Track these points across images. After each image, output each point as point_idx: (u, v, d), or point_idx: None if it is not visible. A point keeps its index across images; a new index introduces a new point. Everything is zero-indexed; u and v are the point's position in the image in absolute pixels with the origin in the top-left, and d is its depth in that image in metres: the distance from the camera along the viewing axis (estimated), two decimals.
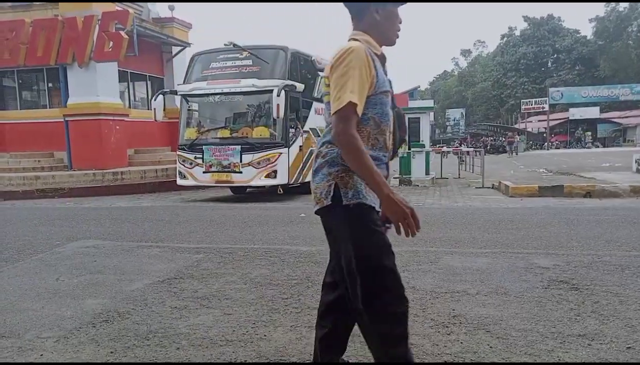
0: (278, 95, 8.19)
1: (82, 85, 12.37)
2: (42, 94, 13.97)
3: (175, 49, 16.24)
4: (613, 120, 43.80)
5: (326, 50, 36.32)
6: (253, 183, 8.89)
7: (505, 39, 58.85)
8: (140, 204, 8.84)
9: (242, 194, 10.34)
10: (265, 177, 8.72)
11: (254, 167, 8.67)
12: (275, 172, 8.73)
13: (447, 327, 2.47)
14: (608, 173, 11.16)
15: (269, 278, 3.42)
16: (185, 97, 9.61)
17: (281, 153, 8.75)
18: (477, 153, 14.00)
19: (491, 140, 40.95)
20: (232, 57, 9.38)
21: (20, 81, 14.04)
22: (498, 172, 13.04)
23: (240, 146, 8.69)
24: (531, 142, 43.26)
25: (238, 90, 8.95)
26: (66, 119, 12.43)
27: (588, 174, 10.83)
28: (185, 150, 9.20)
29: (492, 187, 9.82)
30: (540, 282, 3.17)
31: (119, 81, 13.59)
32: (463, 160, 16.16)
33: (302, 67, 9.68)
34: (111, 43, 11.95)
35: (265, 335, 2.43)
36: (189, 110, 9.77)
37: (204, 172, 8.87)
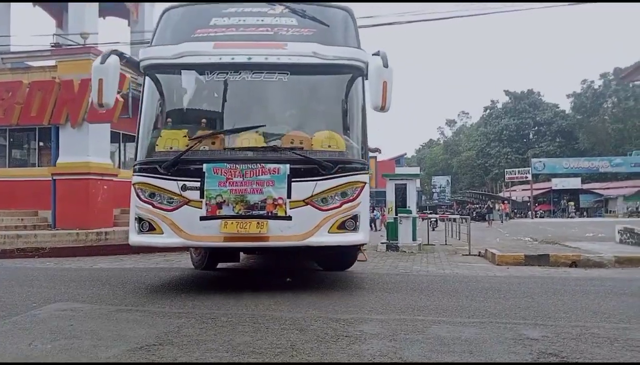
0: (386, 66, 5.03)
1: (73, 145, 12.45)
2: (32, 152, 14.01)
3: None
4: (594, 191, 44.87)
5: None
6: (314, 241, 4.92)
7: (488, 111, 61.32)
8: (123, 266, 8.64)
9: (269, 263, 7.58)
10: (338, 228, 4.97)
11: (315, 207, 4.92)
12: (355, 218, 5.02)
13: None
14: (592, 243, 11.28)
15: (252, 346, 3.30)
16: (160, 70, 5.41)
17: (365, 183, 5.16)
18: (464, 220, 14.12)
19: (477, 207, 41.45)
20: (257, 12, 5.66)
21: (11, 140, 14.09)
22: (484, 239, 13.10)
23: (287, 165, 4.89)
24: (515, 211, 43.83)
25: (284, 60, 5.16)
26: (54, 177, 12.39)
27: (573, 244, 10.93)
28: (155, 172, 5.03)
29: (479, 255, 9.83)
30: (530, 354, 3.11)
31: (111, 141, 13.71)
32: (448, 223, 16.22)
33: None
34: None
35: None
36: (162, 95, 5.57)
37: (203, 218, 4.88)
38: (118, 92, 12.39)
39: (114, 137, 14.21)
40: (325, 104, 5.79)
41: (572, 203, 43.78)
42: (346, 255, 6.77)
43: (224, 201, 4.90)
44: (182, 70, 5.57)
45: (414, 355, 3.10)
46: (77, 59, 12.53)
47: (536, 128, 56.75)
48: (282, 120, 5.58)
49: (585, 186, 45.14)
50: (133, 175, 5.25)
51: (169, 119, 5.58)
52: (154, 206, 5.05)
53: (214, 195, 4.90)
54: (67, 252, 10.39)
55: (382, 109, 5.05)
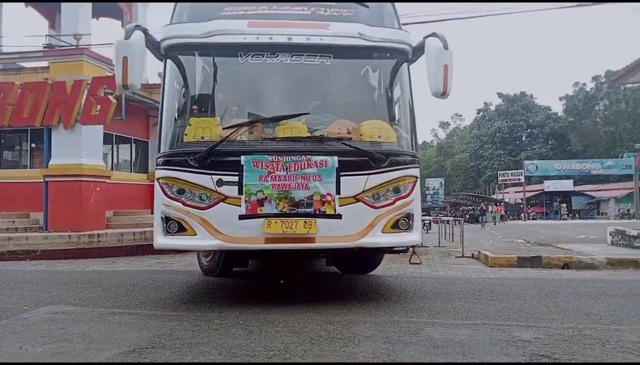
0: (446, 48, 4.67)
1: (65, 146, 12.37)
2: (24, 154, 13.92)
3: None
4: (586, 193, 45.22)
5: None
6: (367, 242, 4.48)
7: (481, 113, 61.66)
8: (115, 268, 8.59)
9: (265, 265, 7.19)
10: (392, 227, 4.53)
11: (367, 204, 4.48)
12: (409, 217, 4.61)
13: None
14: (584, 245, 11.34)
15: (245, 348, 3.29)
16: (186, 51, 4.86)
17: (417, 178, 4.76)
18: (457, 222, 14.16)
19: (470, 209, 41.63)
20: None
21: (3, 141, 14.01)
22: (477, 241, 13.14)
23: (336, 157, 4.42)
24: (508, 212, 44.08)
25: (327, 41, 4.71)
26: (46, 179, 12.30)
27: (565, 246, 10.99)
28: (185, 165, 4.45)
29: (472, 257, 9.85)
30: (522, 356, 3.13)
31: (104, 143, 13.64)
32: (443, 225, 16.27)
33: None
34: (99, 106, 12.12)
35: None
36: (186, 80, 4.99)
37: (242, 217, 4.34)
38: (111, 93, 12.45)
39: (107, 139, 14.14)
40: (371, 91, 5.25)
41: (564, 205, 44.08)
42: (373, 256, 6.40)
43: (266, 198, 4.34)
44: (211, 51, 4.84)
45: (407, 357, 3.11)
46: (69, 60, 12.47)
47: (529, 130, 57.17)
48: (324, 108, 5.03)
49: (578, 188, 45.49)
50: (157, 169, 4.63)
51: (197, 106, 4.90)
52: (184, 204, 4.41)
53: (254, 191, 4.35)
54: (59, 254, 10.30)
55: (443, 94, 4.68)
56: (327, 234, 4.40)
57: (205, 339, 3.56)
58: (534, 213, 45.23)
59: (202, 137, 4.54)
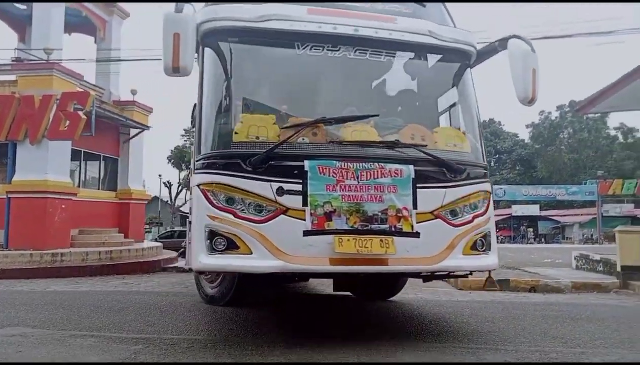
0: (534, 51, 4.27)
1: (31, 162, 12.01)
2: None
3: (133, 131, 16.29)
4: (552, 218, 46.47)
5: None
6: (447, 265, 3.98)
7: None
8: (79, 288, 8.29)
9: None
10: (471, 249, 4.06)
11: (446, 221, 4.00)
12: (486, 237, 4.18)
13: None
14: (550, 269, 11.60)
15: None
16: (233, 36, 4.15)
17: (490, 193, 4.38)
18: None
19: None
20: None
21: None
22: None
23: (411, 166, 3.94)
24: None
25: (396, 36, 4.27)
26: (9, 195, 11.87)
27: (532, 269, 11.21)
28: (236, 169, 3.79)
29: (441, 279, 9.93)
30: None
31: (71, 159, 13.31)
32: None
33: None
34: (67, 122, 11.86)
35: None
36: (230, 71, 4.20)
37: (307, 233, 3.71)
38: (80, 109, 12.21)
39: (75, 155, 13.81)
40: (438, 95, 4.82)
41: (531, 229, 45.15)
42: (399, 280, 5.90)
43: (334, 211, 3.73)
44: (265, 39, 4.20)
45: None
46: (39, 75, 12.22)
47: (497, 156, 58.68)
48: (390, 111, 4.59)
49: (544, 213, 46.72)
50: (196, 173, 3.97)
51: (244, 102, 4.27)
52: (236, 215, 3.69)
53: (321, 202, 3.72)
54: (20, 273, 9.90)
55: (532, 101, 4.26)
56: (404, 255, 3.80)
57: (171, 363, 3.45)
58: (501, 236, 46.12)
59: (257, 137, 3.89)
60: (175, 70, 3.72)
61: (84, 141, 13.10)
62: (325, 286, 7.34)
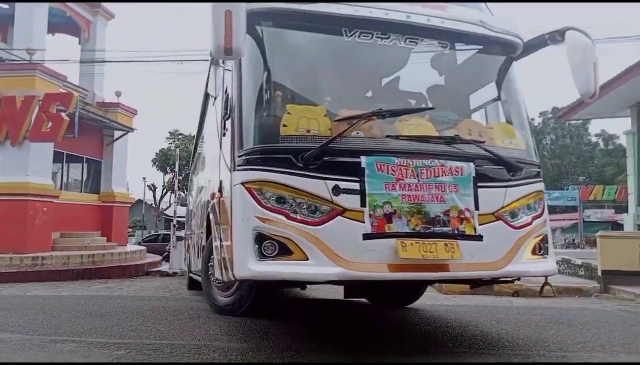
0: (594, 44, 4.04)
1: (11, 163, 11.83)
2: None
3: (117, 133, 16.12)
4: None
5: None
6: (511, 271, 3.74)
7: None
8: (60, 293, 8.16)
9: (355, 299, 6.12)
10: (532, 253, 3.86)
11: (507, 223, 3.78)
12: (545, 240, 4.00)
13: None
14: None
15: None
16: (273, 20, 3.89)
17: (543, 193, 4.21)
18: None
19: None
20: None
21: None
22: None
23: (472, 164, 3.72)
24: None
25: (448, 25, 4.02)
26: None
27: None
28: (286, 165, 3.46)
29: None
30: None
31: (53, 162, 13.13)
32: None
33: None
34: (50, 123, 11.70)
35: None
36: (268, 58, 3.88)
37: (367, 237, 3.41)
38: (63, 111, 12.03)
39: (58, 157, 13.64)
40: (488, 89, 4.51)
41: None
42: (422, 284, 5.59)
43: (394, 212, 3.44)
44: (310, 24, 3.88)
45: None
46: (21, 75, 12.06)
47: None
48: (442, 104, 4.29)
49: None
50: (240, 169, 3.54)
51: (288, 92, 3.93)
52: (288, 217, 3.36)
53: (380, 202, 3.42)
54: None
55: (593, 95, 4.03)
56: (468, 261, 3.51)
57: None
58: None
59: (308, 131, 3.54)
60: (227, 51, 3.26)
61: (66, 143, 12.93)
62: (325, 291, 7.33)
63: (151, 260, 14.28)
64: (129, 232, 25.23)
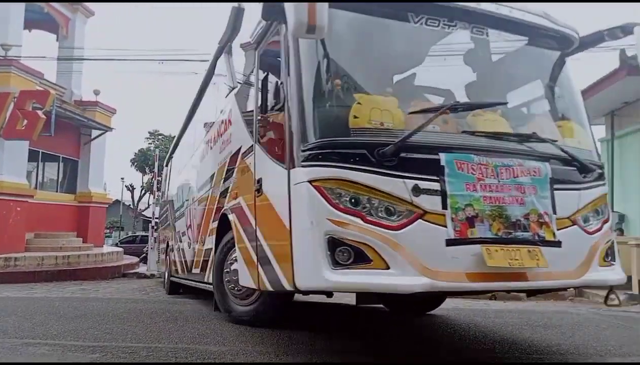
0: None
1: None
2: None
3: (95, 133, 15.86)
4: None
5: None
6: (588, 279, 3.52)
7: None
8: (33, 295, 7.96)
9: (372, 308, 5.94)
10: (603, 260, 3.65)
11: (582, 228, 3.57)
12: (612, 247, 3.77)
13: None
14: None
15: None
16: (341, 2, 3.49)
17: (607, 196, 3.93)
18: None
19: None
20: None
21: None
22: None
23: (548, 164, 3.48)
24: None
25: (516, 15, 3.84)
26: None
27: None
28: (361, 161, 3.08)
29: None
30: None
31: (28, 160, 12.84)
32: None
33: None
34: (25, 121, 11.44)
35: None
36: (332, 44, 3.39)
37: (450, 243, 3.09)
38: (40, 108, 11.77)
39: (33, 156, 13.35)
40: (551, 85, 4.24)
41: None
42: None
43: (477, 215, 3.15)
44: (374, 7, 3.64)
45: None
46: None
47: None
48: (509, 99, 4.05)
49: None
50: (303, 165, 3.14)
51: (353, 81, 3.48)
52: (365, 220, 3.01)
53: (462, 205, 3.13)
54: None
55: None
56: (549, 269, 3.24)
57: None
58: None
59: (382, 123, 3.21)
60: (310, 29, 2.87)
61: (42, 141, 12.67)
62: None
63: (128, 262, 14.07)
64: (105, 233, 24.80)
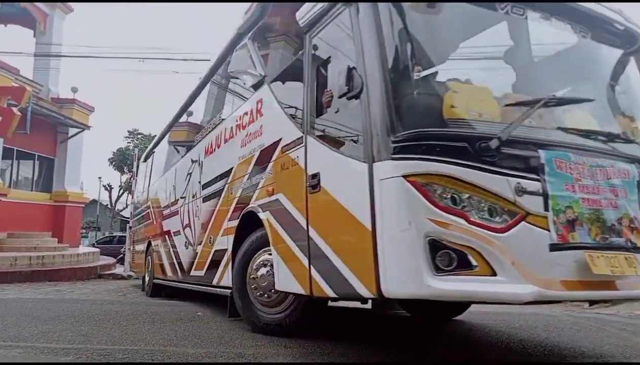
0: None
1: None
2: None
3: (72, 131, 15.57)
4: None
5: None
6: None
7: None
8: (5, 296, 7.76)
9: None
10: None
11: None
12: None
13: None
14: None
15: None
16: None
17: None
18: None
19: None
20: None
21: None
22: None
23: (634, 166, 3.36)
24: None
25: (600, 11, 3.74)
26: None
27: None
28: (463, 156, 2.77)
29: None
30: None
31: (2, 158, 12.54)
32: None
33: None
34: (0, 118, 11.18)
35: None
36: (414, 29, 3.19)
37: (554, 248, 2.83)
38: (15, 105, 11.49)
39: (7, 154, 13.04)
40: (620, 83, 4.03)
41: None
42: None
43: (576, 218, 2.93)
44: None
45: None
46: None
47: None
48: (589, 96, 3.73)
49: None
50: (394, 158, 2.81)
51: (427, 68, 3.21)
52: (468, 221, 2.74)
53: (562, 207, 2.90)
54: None
55: None
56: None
57: None
58: None
59: (480, 114, 2.98)
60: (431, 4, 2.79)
61: (17, 139, 12.39)
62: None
63: (105, 262, 13.82)
64: (82, 233, 24.34)
